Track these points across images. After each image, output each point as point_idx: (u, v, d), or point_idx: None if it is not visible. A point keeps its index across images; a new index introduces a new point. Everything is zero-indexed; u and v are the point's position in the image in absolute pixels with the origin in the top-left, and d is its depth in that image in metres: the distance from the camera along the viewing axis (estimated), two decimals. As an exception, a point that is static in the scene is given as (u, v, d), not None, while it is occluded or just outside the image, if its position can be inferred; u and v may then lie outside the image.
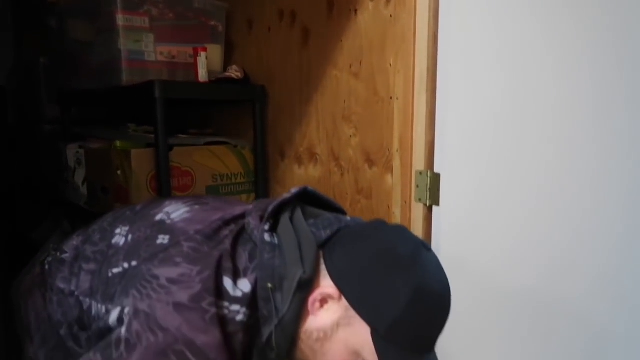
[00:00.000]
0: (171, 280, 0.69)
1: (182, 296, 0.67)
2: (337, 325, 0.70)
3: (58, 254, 0.86)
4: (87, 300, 0.76)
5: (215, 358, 0.67)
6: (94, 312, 0.75)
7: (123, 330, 0.67)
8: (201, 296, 0.67)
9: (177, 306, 0.67)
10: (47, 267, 0.85)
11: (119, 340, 0.67)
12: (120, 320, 0.69)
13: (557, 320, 1.07)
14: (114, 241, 0.81)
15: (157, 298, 0.68)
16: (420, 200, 1.21)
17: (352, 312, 0.69)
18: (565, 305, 1.05)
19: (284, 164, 1.59)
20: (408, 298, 0.67)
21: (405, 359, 0.69)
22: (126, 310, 0.68)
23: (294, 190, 0.78)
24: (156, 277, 0.69)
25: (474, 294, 1.17)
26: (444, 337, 1.23)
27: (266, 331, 0.70)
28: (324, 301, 0.71)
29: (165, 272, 0.70)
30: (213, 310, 0.67)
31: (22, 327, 0.83)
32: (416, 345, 0.70)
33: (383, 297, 0.68)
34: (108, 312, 0.72)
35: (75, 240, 0.87)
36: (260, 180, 1.62)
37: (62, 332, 0.78)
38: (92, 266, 0.79)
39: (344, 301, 0.70)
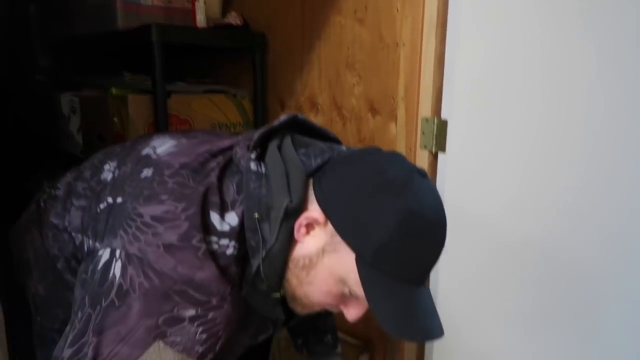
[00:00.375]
0: (155, 218, 0.67)
1: (171, 236, 0.65)
2: (322, 251, 0.68)
3: (52, 191, 0.84)
4: (79, 236, 0.75)
5: (216, 290, 0.66)
6: (86, 248, 0.73)
7: (117, 276, 0.65)
8: (190, 234, 0.65)
9: (168, 247, 0.65)
10: (42, 204, 0.83)
11: (111, 286, 0.64)
12: (110, 262, 0.66)
13: (557, 271, 1.06)
14: (102, 177, 0.79)
15: (145, 240, 0.65)
16: (425, 147, 1.18)
17: (338, 238, 0.66)
18: (566, 256, 1.04)
19: (284, 113, 1.54)
20: (395, 222, 0.63)
21: (391, 288, 0.65)
22: (117, 253, 0.66)
23: (282, 117, 0.75)
24: (140, 215, 0.67)
25: (476, 241, 1.16)
26: (443, 283, 1.23)
27: (255, 263, 0.69)
28: (310, 227, 0.68)
29: (149, 210, 0.67)
30: (203, 246, 0.66)
31: (22, 265, 0.82)
32: (404, 274, 0.66)
33: (368, 221, 0.64)
34: (97, 250, 0.69)
35: (68, 177, 0.85)
36: (260, 131, 1.58)
37: (59, 265, 0.77)
38: (82, 202, 0.77)
39: (329, 226, 0.67)
